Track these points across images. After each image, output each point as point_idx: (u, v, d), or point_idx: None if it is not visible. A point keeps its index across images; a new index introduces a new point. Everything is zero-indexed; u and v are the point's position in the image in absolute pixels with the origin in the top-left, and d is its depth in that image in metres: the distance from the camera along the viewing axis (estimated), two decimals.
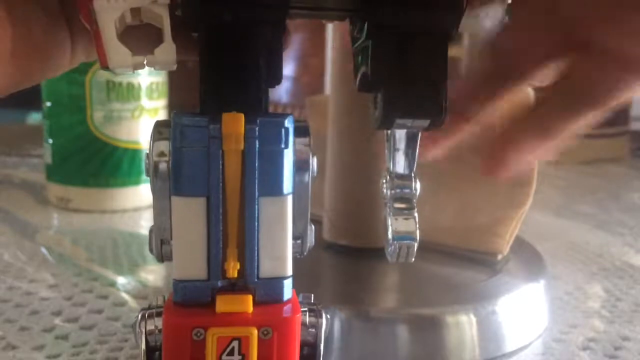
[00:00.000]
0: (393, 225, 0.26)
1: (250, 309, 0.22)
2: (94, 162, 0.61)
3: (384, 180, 0.27)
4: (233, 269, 0.22)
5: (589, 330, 0.40)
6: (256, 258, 0.22)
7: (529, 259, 0.43)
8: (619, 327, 0.40)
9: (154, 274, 0.47)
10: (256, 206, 0.22)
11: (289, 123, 0.22)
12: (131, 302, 0.42)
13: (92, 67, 0.59)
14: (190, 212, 0.22)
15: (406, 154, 0.26)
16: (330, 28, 0.52)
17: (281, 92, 0.83)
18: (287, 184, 0.22)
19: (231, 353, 0.22)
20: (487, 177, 0.44)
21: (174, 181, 0.22)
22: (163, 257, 0.23)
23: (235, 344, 0.22)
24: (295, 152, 0.23)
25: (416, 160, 0.27)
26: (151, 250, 0.23)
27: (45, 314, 0.40)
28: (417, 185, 0.27)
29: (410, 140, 0.26)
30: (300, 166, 0.23)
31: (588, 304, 0.44)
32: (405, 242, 0.26)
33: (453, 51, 0.56)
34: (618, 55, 0.26)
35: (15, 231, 0.56)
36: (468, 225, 0.44)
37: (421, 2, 0.23)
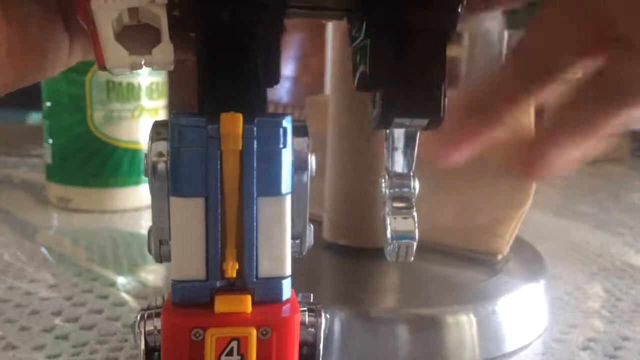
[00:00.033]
0: (392, 225, 0.26)
1: (249, 309, 0.22)
2: (94, 162, 0.61)
3: (383, 180, 0.27)
4: (232, 269, 0.22)
5: (589, 330, 0.40)
6: (255, 258, 0.22)
7: (529, 259, 0.43)
8: (619, 327, 0.40)
9: (154, 274, 0.47)
10: (254, 206, 0.22)
11: (287, 123, 0.22)
12: (131, 302, 0.42)
13: (92, 67, 0.59)
14: (188, 213, 0.22)
15: (405, 153, 0.26)
16: (330, 28, 0.52)
17: (281, 92, 0.83)
18: (286, 184, 0.22)
19: (230, 353, 0.22)
20: (487, 177, 0.44)
21: (172, 181, 0.22)
22: (162, 257, 0.23)
23: (234, 344, 0.22)
24: (293, 151, 0.23)
25: (415, 160, 0.27)
26: (150, 251, 0.23)
27: (45, 314, 0.40)
28: (416, 185, 0.27)
29: (409, 140, 0.26)
30: (299, 166, 0.23)
31: (588, 304, 0.44)
32: (404, 241, 0.26)
33: (453, 51, 0.56)
34: None
35: (15, 231, 0.56)
36: (468, 225, 0.44)
37: (419, 1, 0.23)
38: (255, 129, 0.22)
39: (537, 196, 0.43)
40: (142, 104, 0.61)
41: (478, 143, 0.30)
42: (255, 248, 0.22)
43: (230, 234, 0.22)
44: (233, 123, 0.21)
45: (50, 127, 0.62)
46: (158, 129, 0.22)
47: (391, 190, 0.27)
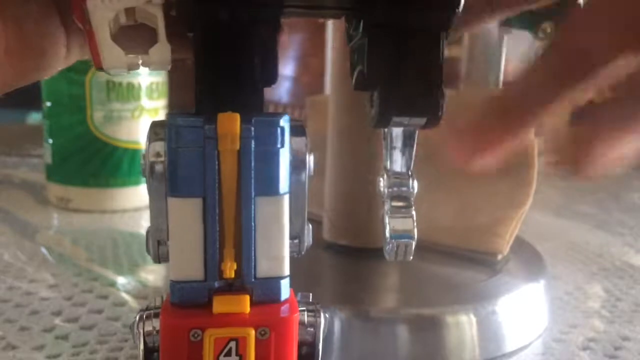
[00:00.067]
0: (390, 224, 0.26)
1: (247, 309, 0.22)
2: (94, 162, 0.61)
3: (381, 179, 0.27)
4: (230, 270, 0.22)
5: (589, 330, 0.40)
6: (253, 258, 0.22)
7: (529, 259, 0.43)
8: (619, 327, 0.40)
9: (154, 274, 0.47)
10: (252, 206, 0.22)
11: (284, 122, 0.22)
12: (131, 302, 0.42)
13: (92, 67, 0.59)
14: (186, 213, 0.22)
15: (403, 152, 0.26)
16: (330, 28, 0.52)
17: (281, 92, 0.83)
18: (284, 184, 0.22)
19: (229, 354, 0.22)
20: (487, 177, 0.44)
21: (170, 182, 0.22)
22: (160, 258, 0.23)
23: (232, 344, 0.22)
24: (291, 151, 0.23)
25: (413, 159, 0.27)
26: (148, 251, 0.23)
27: (45, 314, 0.40)
28: (415, 184, 0.27)
29: (407, 139, 0.26)
30: (297, 165, 0.23)
31: (588, 304, 0.44)
32: (403, 240, 0.26)
33: (453, 51, 0.56)
34: None
35: (15, 231, 0.56)
36: (468, 225, 0.44)
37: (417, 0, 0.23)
38: (252, 128, 0.22)
39: (537, 196, 0.43)
40: (142, 104, 0.61)
41: (507, 147, 0.29)
42: (253, 248, 0.22)
43: (229, 234, 0.22)
44: (230, 123, 0.21)
45: (50, 127, 0.62)
46: (155, 129, 0.22)
47: (390, 190, 0.26)
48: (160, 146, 0.22)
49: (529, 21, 0.29)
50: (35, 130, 0.78)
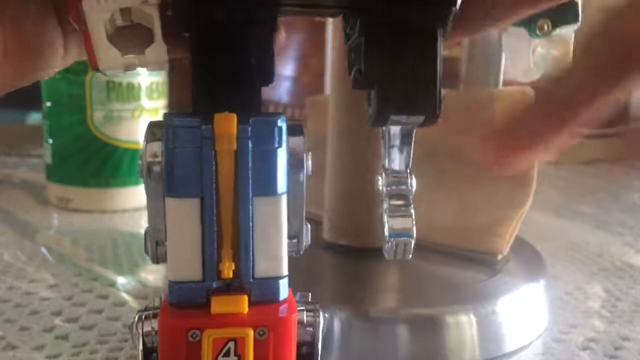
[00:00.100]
0: (389, 223, 0.26)
1: (246, 309, 0.22)
2: (94, 162, 0.61)
3: (380, 177, 0.27)
4: (228, 270, 0.22)
5: (589, 330, 0.40)
6: (251, 258, 0.22)
7: (529, 259, 0.43)
8: (619, 327, 0.40)
9: (154, 274, 0.47)
10: (250, 206, 0.22)
11: (282, 122, 0.22)
12: (131, 302, 0.42)
13: None
14: (184, 213, 0.22)
15: (401, 151, 0.26)
16: (330, 28, 0.52)
17: (281, 92, 0.83)
18: (281, 184, 0.22)
19: (227, 354, 0.22)
20: (487, 177, 0.44)
21: (167, 182, 0.22)
22: (158, 258, 0.23)
23: (231, 345, 0.22)
24: (289, 151, 0.23)
25: (412, 157, 0.26)
26: (146, 252, 0.23)
27: (45, 314, 0.40)
28: (413, 182, 0.26)
29: (405, 137, 0.26)
30: (295, 165, 0.23)
31: (588, 304, 0.44)
32: (402, 239, 0.26)
33: (453, 51, 0.56)
34: None
35: (15, 231, 0.56)
36: (468, 225, 0.44)
37: None
38: (249, 128, 0.22)
39: (537, 196, 0.43)
40: (142, 104, 0.61)
41: (549, 148, 0.29)
42: (251, 248, 0.22)
43: (226, 234, 0.22)
44: (227, 123, 0.21)
45: (50, 127, 0.62)
46: (153, 129, 0.22)
47: (388, 188, 0.26)
48: (157, 146, 0.22)
49: (526, 18, 0.29)
50: (35, 130, 0.78)
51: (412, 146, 0.26)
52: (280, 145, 0.22)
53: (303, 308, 0.24)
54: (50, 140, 0.62)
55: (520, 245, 0.44)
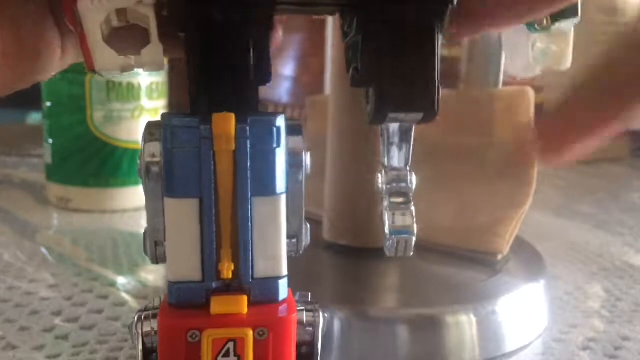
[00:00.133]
0: (390, 220, 0.26)
1: (245, 309, 0.22)
2: (94, 162, 0.61)
3: (379, 175, 0.27)
4: (227, 270, 0.22)
5: (589, 330, 0.40)
6: (250, 258, 0.22)
7: (529, 259, 0.43)
8: (619, 327, 0.40)
9: (154, 274, 0.47)
10: (249, 206, 0.22)
11: (280, 122, 0.22)
12: (131, 302, 0.42)
13: None
14: (183, 214, 0.22)
15: (400, 148, 0.26)
16: (330, 26, 0.52)
17: (281, 92, 0.83)
18: (280, 184, 0.22)
19: (227, 354, 0.22)
20: (487, 177, 0.44)
21: (166, 182, 0.22)
22: (158, 259, 0.23)
23: (230, 345, 0.22)
24: (288, 150, 0.23)
25: (411, 154, 0.26)
26: (146, 252, 0.23)
27: (45, 314, 0.40)
28: (413, 179, 0.26)
29: (405, 134, 0.26)
30: (294, 165, 0.23)
31: (588, 304, 0.44)
32: (403, 236, 0.26)
33: (453, 51, 0.56)
34: None
35: (15, 231, 0.56)
36: (468, 225, 0.44)
37: None
38: (248, 128, 0.22)
39: (537, 196, 0.43)
40: (142, 104, 0.61)
41: (606, 137, 0.28)
42: (250, 248, 0.22)
43: (225, 234, 0.22)
44: (225, 123, 0.21)
45: (50, 127, 0.62)
46: (151, 129, 0.22)
47: (388, 186, 0.26)
48: (155, 147, 0.22)
49: None
50: (35, 130, 0.78)
51: (412, 143, 0.26)
52: (279, 145, 0.22)
53: (303, 308, 0.24)
54: (50, 140, 0.62)
55: (520, 245, 0.44)
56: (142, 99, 0.61)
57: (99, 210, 0.62)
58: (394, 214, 0.26)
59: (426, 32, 0.23)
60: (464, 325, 0.35)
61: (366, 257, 0.42)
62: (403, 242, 0.26)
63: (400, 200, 0.26)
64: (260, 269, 0.23)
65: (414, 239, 0.26)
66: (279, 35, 0.26)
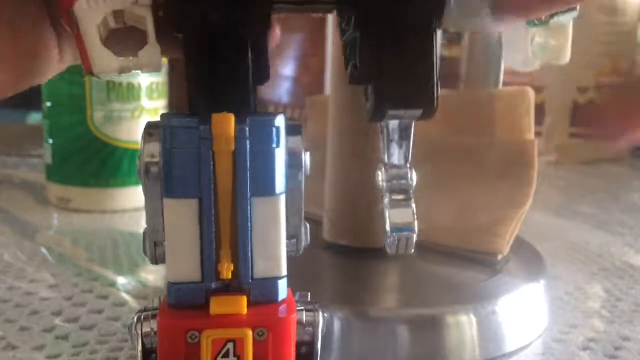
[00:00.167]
0: (391, 217, 0.26)
1: (244, 310, 0.22)
2: (94, 162, 0.61)
3: (379, 172, 0.27)
4: (227, 270, 0.22)
5: (589, 330, 0.40)
6: (250, 259, 0.22)
7: (529, 259, 0.43)
8: (619, 327, 0.40)
9: (154, 274, 0.47)
10: (248, 207, 0.22)
11: (279, 122, 0.22)
12: (131, 302, 0.42)
13: None
14: (182, 214, 0.22)
15: (400, 145, 0.26)
16: (330, 25, 0.52)
17: (281, 92, 0.83)
18: (280, 184, 0.22)
19: (226, 355, 0.22)
20: (487, 177, 0.44)
21: (165, 183, 0.22)
22: (157, 259, 0.23)
23: (230, 345, 0.22)
24: (287, 150, 0.23)
25: (411, 151, 0.26)
26: (145, 253, 0.23)
27: (45, 314, 0.40)
28: (414, 176, 0.26)
29: (404, 131, 0.26)
30: (293, 164, 0.23)
31: (588, 304, 0.44)
32: (404, 233, 0.26)
33: (453, 51, 0.56)
34: None
35: (15, 231, 0.56)
36: (468, 225, 0.44)
37: None
38: (247, 128, 0.22)
39: (537, 196, 0.43)
40: (142, 104, 0.61)
41: None
42: (250, 248, 0.22)
43: (225, 234, 0.22)
44: (225, 123, 0.21)
45: (50, 127, 0.62)
46: (150, 129, 0.22)
47: (388, 183, 0.26)
48: (154, 147, 0.22)
49: None
50: (35, 130, 0.78)
51: (411, 140, 0.26)
52: (278, 145, 0.22)
53: (302, 308, 0.24)
54: (50, 140, 0.62)
55: (520, 245, 0.44)
56: (142, 99, 0.61)
57: (99, 210, 0.62)
58: (394, 211, 0.26)
59: (424, 28, 0.23)
60: (464, 325, 0.35)
61: (366, 257, 0.42)
62: (404, 239, 0.26)
63: (400, 197, 0.26)
64: (260, 269, 0.23)
65: (414, 236, 0.26)
66: (276, 33, 0.26)
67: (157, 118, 0.23)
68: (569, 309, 0.43)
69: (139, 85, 0.61)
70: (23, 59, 0.24)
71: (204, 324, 0.22)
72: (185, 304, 0.22)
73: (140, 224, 0.59)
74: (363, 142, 0.41)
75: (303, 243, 0.24)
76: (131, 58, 0.22)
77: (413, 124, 0.26)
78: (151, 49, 0.22)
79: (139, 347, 0.23)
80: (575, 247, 0.56)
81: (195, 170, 0.22)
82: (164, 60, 0.60)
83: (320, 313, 0.24)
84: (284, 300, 0.23)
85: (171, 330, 0.22)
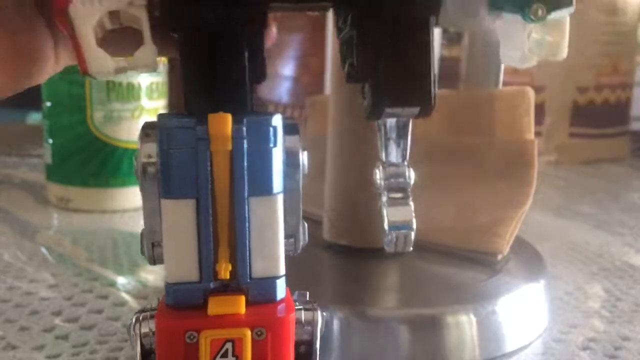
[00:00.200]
0: (389, 216, 0.26)
1: (243, 310, 0.22)
2: (94, 162, 0.61)
3: (377, 170, 0.27)
4: (225, 270, 0.22)
5: (589, 330, 0.40)
6: (248, 259, 0.22)
7: (529, 259, 0.43)
8: (619, 327, 0.40)
9: (154, 274, 0.47)
10: (246, 206, 0.22)
11: (276, 121, 0.22)
12: (131, 302, 0.42)
13: None
14: (180, 214, 0.22)
15: (398, 143, 0.26)
16: (330, 23, 0.52)
17: (281, 92, 0.83)
18: (277, 183, 0.22)
19: (225, 355, 0.22)
20: (487, 177, 0.44)
21: (162, 183, 0.22)
22: (155, 259, 0.23)
23: (228, 345, 0.22)
24: (285, 150, 0.23)
25: (409, 149, 0.26)
26: (143, 253, 0.23)
27: (45, 314, 0.40)
28: (412, 174, 0.26)
29: (402, 129, 0.26)
30: (291, 164, 0.23)
31: (588, 304, 0.44)
32: (402, 231, 0.26)
33: (453, 51, 0.56)
34: None
35: (15, 231, 0.56)
36: (468, 225, 0.44)
37: None
38: (244, 128, 0.21)
39: (537, 196, 0.43)
40: (142, 104, 0.61)
41: None
42: (248, 248, 0.22)
43: (223, 235, 0.22)
44: (222, 124, 0.21)
45: (50, 127, 0.62)
46: (147, 130, 0.22)
47: (386, 181, 0.26)
48: (151, 147, 0.22)
49: (520, 3, 0.29)
50: (35, 130, 0.78)
51: (409, 138, 0.26)
52: (275, 145, 0.22)
53: (301, 307, 0.24)
54: (50, 140, 0.62)
55: (520, 245, 0.44)
56: (142, 99, 0.61)
57: (99, 210, 0.62)
58: (392, 210, 0.26)
59: (420, 26, 0.23)
60: (464, 325, 0.35)
61: (366, 257, 0.42)
62: (402, 237, 0.26)
63: (398, 195, 0.26)
64: (258, 268, 0.23)
65: (413, 233, 0.26)
66: (273, 32, 0.26)
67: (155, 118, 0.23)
68: (569, 309, 0.43)
69: (139, 85, 0.61)
70: (20, 60, 0.24)
71: (203, 324, 0.22)
72: (183, 304, 0.22)
73: (140, 224, 0.59)
74: (363, 142, 0.41)
75: (301, 242, 0.24)
76: (127, 58, 0.22)
77: (411, 122, 0.26)
78: (147, 49, 0.22)
79: (138, 348, 0.23)
80: (575, 247, 0.56)
81: (192, 170, 0.22)
82: (164, 60, 0.60)
83: (319, 312, 0.24)
84: (282, 300, 0.23)
85: (169, 331, 0.22)
